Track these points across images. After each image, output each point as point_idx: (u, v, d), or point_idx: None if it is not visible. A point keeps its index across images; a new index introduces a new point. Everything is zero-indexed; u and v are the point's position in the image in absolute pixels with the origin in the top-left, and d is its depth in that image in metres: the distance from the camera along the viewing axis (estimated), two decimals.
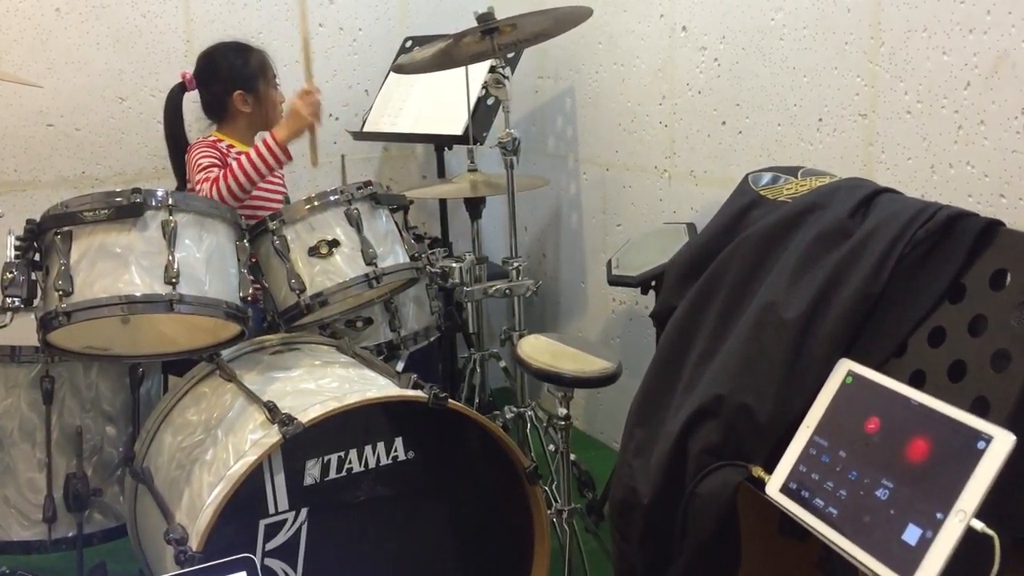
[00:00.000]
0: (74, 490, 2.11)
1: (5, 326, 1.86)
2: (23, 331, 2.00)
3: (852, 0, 2.22)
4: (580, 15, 2.41)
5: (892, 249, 1.33)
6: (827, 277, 1.38)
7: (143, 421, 2.22)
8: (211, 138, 2.66)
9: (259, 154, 2.39)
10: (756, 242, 1.51)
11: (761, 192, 1.61)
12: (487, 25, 2.30)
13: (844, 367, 1.33)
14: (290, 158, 2.44)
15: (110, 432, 2.20)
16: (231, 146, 2.66)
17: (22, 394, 2.10)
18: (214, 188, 2.36)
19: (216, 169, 2.47)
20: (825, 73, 2.31)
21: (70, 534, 2.14)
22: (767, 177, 1.66)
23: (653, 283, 2.61)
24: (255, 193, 2.48)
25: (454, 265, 2.43)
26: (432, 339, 2.60)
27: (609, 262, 2.68)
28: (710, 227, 1.64)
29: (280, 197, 2.73)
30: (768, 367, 1.38)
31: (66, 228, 1.85)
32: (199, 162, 2.51)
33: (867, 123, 2.22)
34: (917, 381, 1.26)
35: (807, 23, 2.34)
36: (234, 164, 2.40)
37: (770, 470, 1.35)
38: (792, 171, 1.68)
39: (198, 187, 2.43)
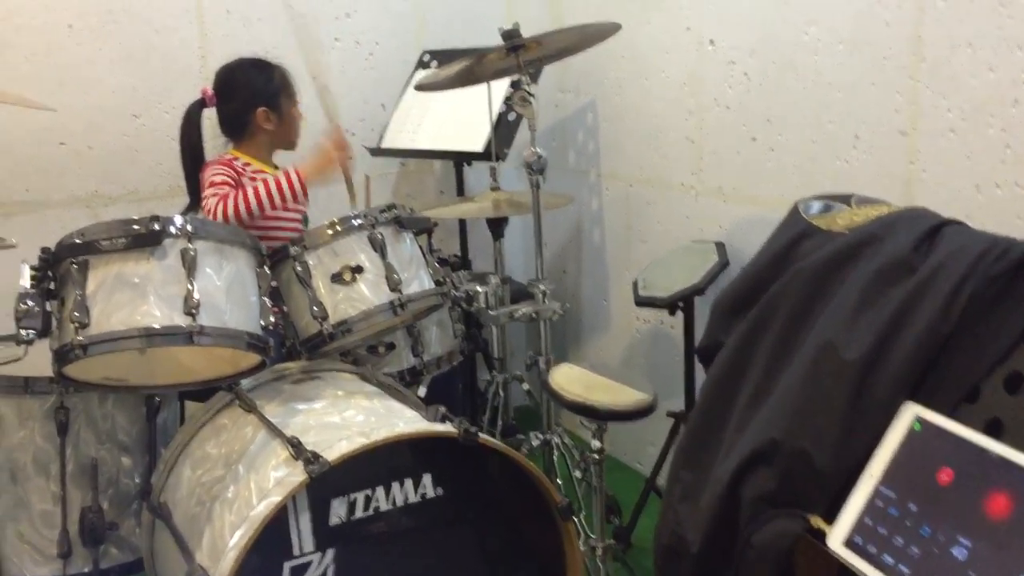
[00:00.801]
0: (90, 524, 2.04)
1: (19, 359, 1.78)
2: (36, 359, 1.93)
3: (891, 14, 2.14)
4: (608, 31, 2.33)
5: (962, 286, 1.25)
6: (891, 315, 1.29)
7: (160, 451, 2.16)
8: (227, 156, 2.60)
9: (278, 186, 2.34)
10: (810, 275, 1.42)
11: (813, 221, 1.52)
12: (513, 42, 2.22)
13: (911, 412, 1.25)
14: (306, 197, 2.41)
15: (126, 463, 2.13)
16: (247, 164, 2.59)
17: (36, 426, 2.03)
18: (220, 205, 2.31)
19: (227, 187, 2.41)
20: (862, 89, 2.23)
21: (86, 570, 2.06)
22: (818, 205, 1.58)
23: (681, 304, 2.54)
24: (274, 213, 2.42)
25: (479, 289, 2.36)
26: (455, 363, 2.53)
27: (635, 282, 2.61)
28: (759, 258, 1.56)
29: (300, 218, 2.66)
30: (827, 410, 1.30)
31: (82, 257, 1.78)
32: (212, 179, 2.46)
33: (907, 141, 2.14)
34: (993, 430, 1.18)
35: (843, 37, 2.26)
36: (249, 190, 2.34)
37: (830, 520, 1.27)
38: (844, 199, 1.60)
39: (205, 203, 2.37)
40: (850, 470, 1.27)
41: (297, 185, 2.36)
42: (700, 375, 2.58)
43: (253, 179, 2.56)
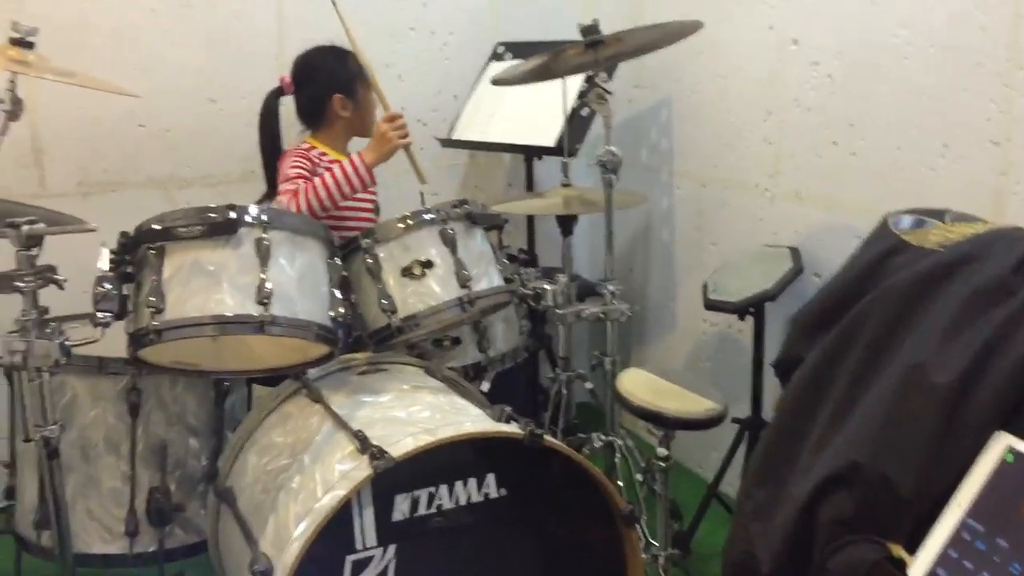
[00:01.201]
0: (157, 505, 2.08)
1: (96, 341, 1.81)
2: (110, 339, 1.96)
3: (987, 18, 2.05)
4: (689, 29, 2.28)
5: None
6: (986, 339, 1.23)
7: (227, 435, 2.18)
8: (304, 146, 2.61)
9: (344, 173, 2.34)
10: (900, 293, 1.37)
11: (904, 237, 1.46)
12: (593, 38, 2.18)
13: (1003, 442, 1.19)
14: (374, 182, 2.40)
15: (194, 445, 2.16)
16: (323, 154, 2.60)
17: (108, 406, 2.07)
18: (294, 201, 2.31)
19: (301, 181, 2.42)
20: (953, 95, 2.14)
21: (151, 549, 2.10)
22: (909, 220, 1.52)
23: (751, 309, 2.49)
24: (344, 204, 2.42)
25: (547, 287, 2.33)
26: (519, 360, 2.51)
27: (705, 285, 2.57)
28: (844, 273, 1.51)
29: (371, 207, 2.67)
30: (913, 435, 1.25)
31: (160, 243, 1.80)
32: (287, 172, 2.47)
33: (1000, 152, 2.05)
34: None
35: (934, 41, 2.18)
36: (317, 181, 2.35)
37: (911, 550, 1.22)
38: (938, 214, 1.53)
39: (280, 196, 2.39)
40: (935, 499, 1.22)
41: (362, 169, 2.35)
42: (768, 383, 2.54)
43: (329, 169, 2.57)
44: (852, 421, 1.34)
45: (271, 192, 2.64)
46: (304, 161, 2.50)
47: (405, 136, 2.42)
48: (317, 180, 2.35)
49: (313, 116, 2.63)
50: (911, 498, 1.24)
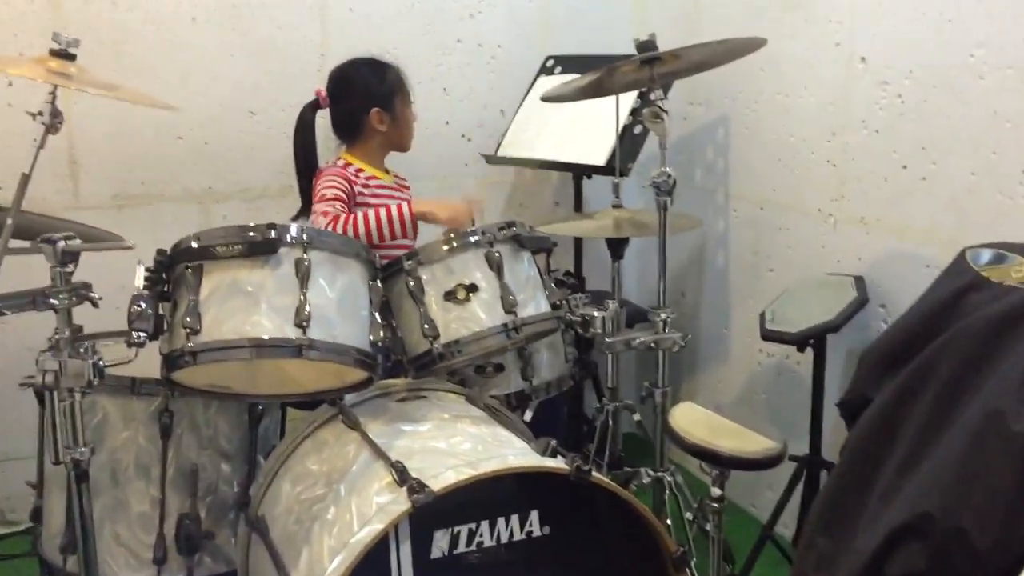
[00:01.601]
0: (186, 531, 2.09)
1: (130, 361, 1.83)
2: (142, 360, 1.98)
3: None
4: (752, 46, 2.27)
5: None
6: None
7: (259, 460, 2.19)
8: (340, 163, 2.63)
9: (389, 218, 2.37)
10: (978, 333, 1.34)
11: (983, 272, 1.43)
12: (649, 55, 2.18)
13: None
14: (415, 235, 2.43)
15: (225, 470, 2.17)
16: (360, 170, 2.62)
17: (140, 428, 2.08)
18: (328, 227, 2.34)
19: (339, 204, 2.45)
20: None
21: None
22: (989, 254, 1.48)
23: (812, 341, 2.46)
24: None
25: (596, 314, 2.31)
26: (564, 389, 2.50)
27: (763, 314, 2.55)
28: (918, 308, 1.48)
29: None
30: (992, 486, 1.21)
31: (197, 262, 1.81)
32: (323, 192, 2.49)
33: None
34: None
35: (1013, 62, 2.14)
36: (359, 217, 2.37)
37: None
38: (1020, 249, 1.50)
39: (314, 218, 2.42)
40: (1016, 555, 1.19)
41: (407, 219, 2.38)
42: (828, 419, 2.50)
43: (366, 186, 2.59)
44: (924, 469, 1.31)
45: (306, 209, 2.67)
46: (341, 181, 2.53)
47: (463, 224, 2.39)
48: (360, 215, 2.37)
49: (349, 131, 2.66)
50: (989, 553, 1.20)
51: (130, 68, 2.89)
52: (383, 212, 2.38)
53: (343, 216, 2.37)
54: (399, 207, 2.40)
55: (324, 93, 2.65)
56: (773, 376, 2.97)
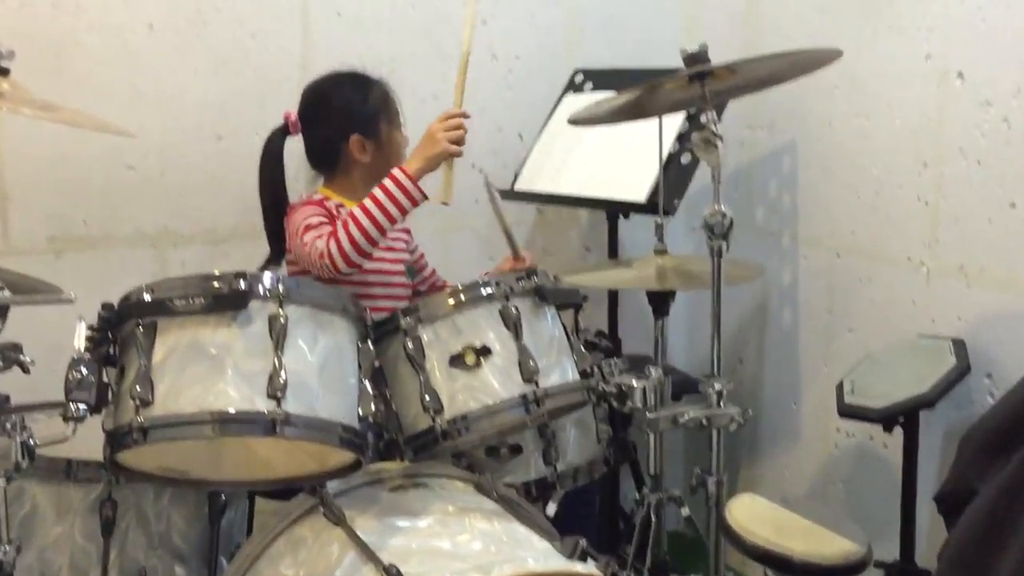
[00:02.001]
0: None
1: (66, 439, 1.84)
2: (81, 438, 1.99)
3: None
4: (825, 59, 2.30)
5: None
6: None
7: (221, 563, 2.19)
8: (316, 197, 2.67)
9: (386, 192, 2.42)
10: None
11: None
12: (699, 68, 2.21)
13: None
14: (425, 197, 2.47)
15: (180, 574, 2.17)
16: (340, 206, 2.66)
17: (77, 521, 2.09)
18: (332, 242, 2.41)
19: (329, 226, 2.49)
20: None
21: None
22: None
23: (901, 419, 2.46)
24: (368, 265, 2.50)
25: (634, 383, 2.32)
26: (596, 476, 2.50)
27: (840, 384, 2.55)
28: None
29: (400, 268, 2.72)
30: None
31: (150, 318, 1.84)
32: (306, 222, 2.53)
33: None
34: None
35: None
36: (356, 210, 2.43)
37: None
38: None
39: (307, 249, 2.46)
40: None
41: (407, 182, 2.43)
42: (923, 516, 2.49)
43: (361, 203, 2.62)
44: None
45: (275, 254, 2.70)
46: (320, 209, 2.58)
47: (459, 142, 2.47)
48: (356, 209, 2.43)
49: (325, 161, 2.72)
50: None
51: (73, 84, 2.94)
52: (378, 192, 2.43)
53: (338, 224, 2.43)
54: (391, 176, 2.45)
55: (293, 117, 2.69)
56: (853, 462, 2.95)
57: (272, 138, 2.71)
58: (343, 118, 2.66)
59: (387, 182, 2.44)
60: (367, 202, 2.43)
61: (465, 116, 2.56)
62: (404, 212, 2.45)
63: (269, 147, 2.71)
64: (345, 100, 2.68)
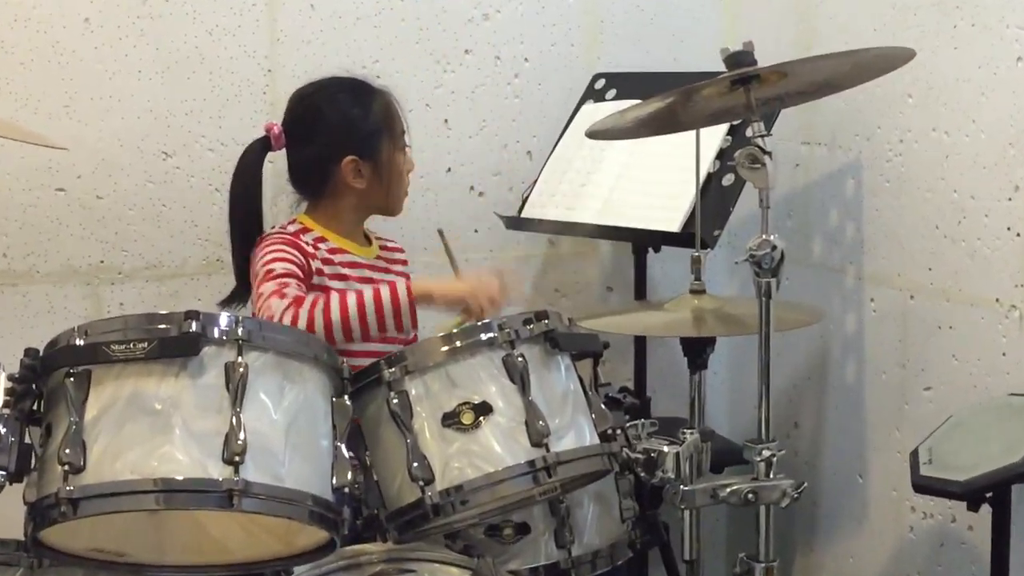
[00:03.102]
0: None
1: None
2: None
3: None
4: (894, 60, 2.32)
5: None
6: None
7: None
8: (291, 228, 2.68)
9: (378, 303, 2.41)
10: None
11: None
12: (744, 71, 2.23)
13: None
14: (415, 325, 2.48)
15: None
16: (321, 239, 2.67)
17: None
18: (286, 316, 2.36)
19: (294, 283, 2.48)
20: None
21: None
22: None
23: (989, 495, 2.45)
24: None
25: (666, 450, 2.33)
26: (619, 563, 2.49)
27: (915, 452, 2.54)
28: None
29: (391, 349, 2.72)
30: None
31: (83, 367, 1.84)
32: (269, 267, 2.52)
33: None
34: None
35: None
36: (334, 301, 2.40)
37: None
38: None
39: (260, 304, 2.44)
40: None
41: (405, 304, 2.42)
42: None
43: (328, 262, 2.64)
44: None
45: (242, 289, 2.71)
46: (292, 252, 2.57)
47: (486, 310, 2.47)
48: (334, 299, 2.41)
49: (311, 184, 2.73)
50: None
51: None
52: (369, 294, 2.42)
53: (308, 300, 2.40)
54: (392, 286, 2.44)
55: (277, 129, 2.70)
56: (932, 547, 2.94)
57: (250, 151, 2.72)
58: (338, 135, 2.68)
59: (384, 290, 2.43)
60: (350, 300, 2.40)
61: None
62: (383, 332, 2.43)
63: (246, 161, 2.71)
64: (343, 114, 2.70)
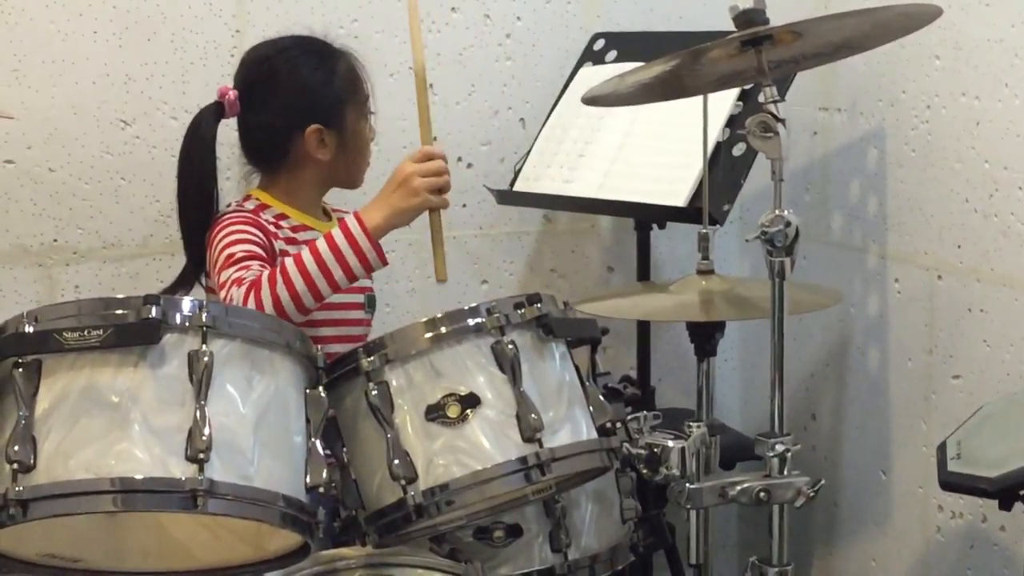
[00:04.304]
0: None
1: None
2: None
3: None
4: (920, 18, 2.31)
5: None
6: None
7: None
8: (249, 204, 2.68)
9: (333, 247, 2.40)
10: None
11: None
12: (756, 31, 2.23)
13: None
14: (384, 262, 2.45)
15: None
16: (282, 216, 2.68)
17: None
18: (250, 298, 2.35)
19: (256, 265, 2.47)
20: None
21: None
22: None
23: (1023, 492, 2.46)
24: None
25: (671, 444, 2.33)
26: (621, 567, 2.50)
27: (943, 446, 2.54)
28: None
29: (360, 301, 2.75)
30: None
31: (32, 357, 1.84)
32: (228, 251, 2.52)
33: None
34: None
35: None
36: (289, 263, 2.39)
37: None
38: None
39: (222, 293, 2.44)
40: None
41: (363, 240, 2.41)
42: None
43: (292, 241, 2.64)
44: None
45: (195, 271, 2.70)
46: (253, 231, 2.56)
47: (442, 190, 2.47)
48: (289, 262, 2.40)
49: (268, 155, 2.73)
50: None
51: None
52: (322, 242, 2.41)
53: (264, 277, 2.38)
54: (342, 223, 2.43)
55: (232, 95, 2.68)
56: (961, 549, 2.95)
57: (202, 118, 2.69)
58: (301, 102, 2.67)
59: (336, 234, 2.42)
60: (305, 256, 2.40)
61: (442, 156, 2.52)
62: (353, 278, 2.42)
63: (196, 130, 2.68)
64: (304, 78, 2.70)
